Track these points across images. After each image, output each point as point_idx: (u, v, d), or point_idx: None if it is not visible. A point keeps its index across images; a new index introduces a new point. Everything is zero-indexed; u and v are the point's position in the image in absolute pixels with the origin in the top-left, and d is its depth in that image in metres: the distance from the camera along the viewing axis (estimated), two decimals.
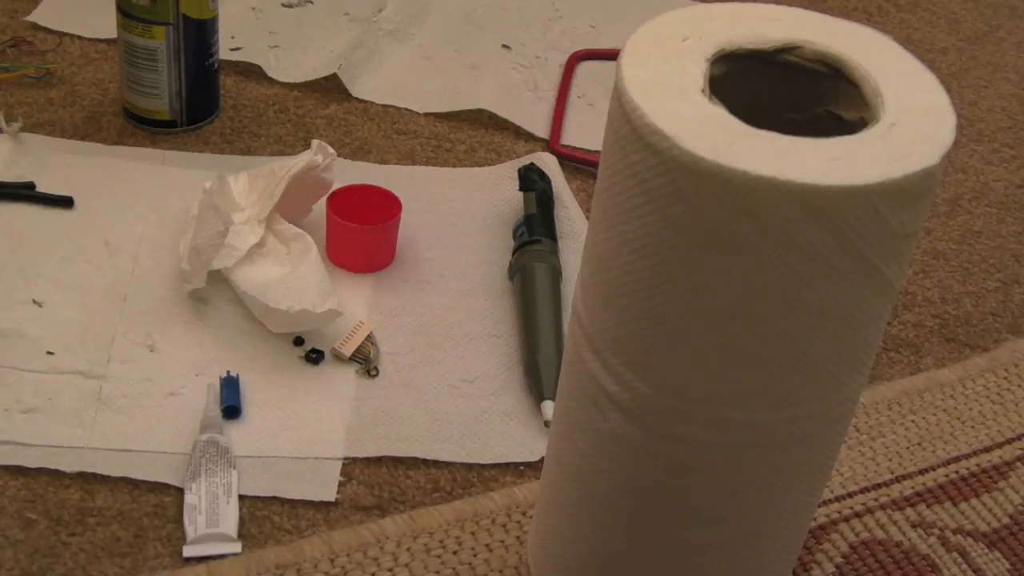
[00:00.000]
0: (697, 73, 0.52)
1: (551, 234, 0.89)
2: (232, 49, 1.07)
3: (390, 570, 0.67)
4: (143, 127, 0.97)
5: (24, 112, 0.97)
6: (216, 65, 0.98)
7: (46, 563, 0.66)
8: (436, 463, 0.74)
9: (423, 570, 0.67)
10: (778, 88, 0.56)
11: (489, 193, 0.96)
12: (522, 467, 0.75)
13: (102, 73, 1.03)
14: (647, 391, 0.54)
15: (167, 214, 0.89)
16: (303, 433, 0.74)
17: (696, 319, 0.51)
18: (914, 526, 0.74)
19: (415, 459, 0.74)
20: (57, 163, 0.92)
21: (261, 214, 0.83)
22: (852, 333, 0.52)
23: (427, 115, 1.05)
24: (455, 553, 0.69)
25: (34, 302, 0.80)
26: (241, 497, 0.70)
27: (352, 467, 0.73)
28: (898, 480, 0.77)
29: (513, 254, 0.88)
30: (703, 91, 0.51)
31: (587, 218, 0.94)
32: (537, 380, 0.78)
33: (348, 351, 0.80)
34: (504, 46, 1.16)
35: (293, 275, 0.79)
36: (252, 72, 1.06)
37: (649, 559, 0.60)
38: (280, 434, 0.74)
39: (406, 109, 1.05)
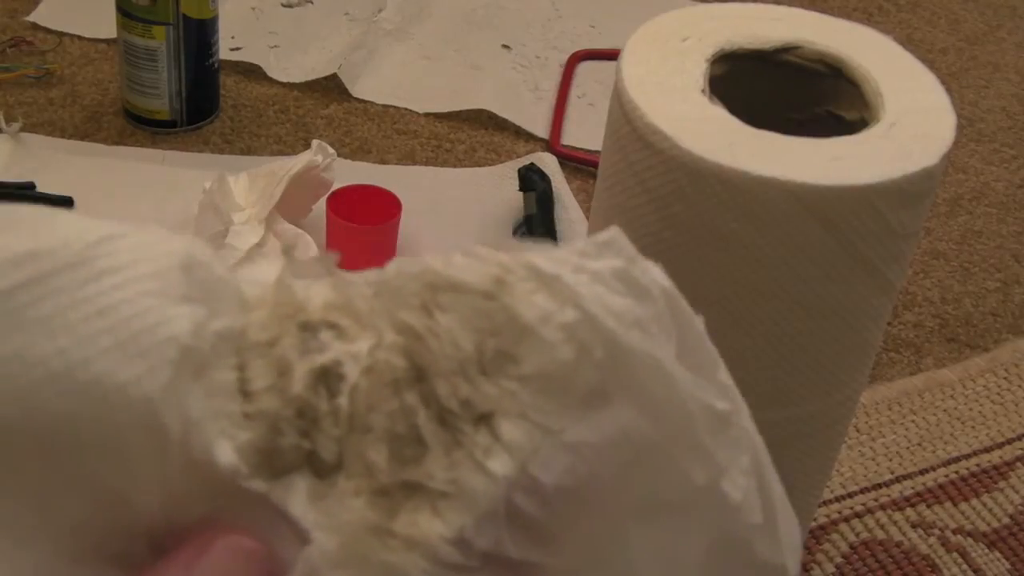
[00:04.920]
0: (697, 73, 0.52)
1: (551, 234, 0.89)
2: (232, 49, 1.07)
3: None
4: (143, 127, 0.97)
5: (24, 112, 0.97)
6: (216, 65, 0.98)
7: None
8: None
9: None
10: (778, 88, 0.56)
11: (489, 193, 0.96)
12: None
13: (102, 73, 1.03)
14: None
15: (167, 214, 0.89)
16: None
17: None
18: (914, 526, 0.74)
19: None
20: (57, 163, 0.92)
21: (261, 214, 0.83)
22: (852, 333, 0.52)
23: (427, 115, 1.05)
24: None
25: None
26: None
27: None
28: (898, 480, 0.77)
29: None
30: (703, 91, 0.51)
31: (587, 218, 0.93)
32: None
33: None
34: (504, 46, 1.16)
35: None
36: (252, 72, 1.06)
37: None
38: None
39: (406, 109, 1.05)
